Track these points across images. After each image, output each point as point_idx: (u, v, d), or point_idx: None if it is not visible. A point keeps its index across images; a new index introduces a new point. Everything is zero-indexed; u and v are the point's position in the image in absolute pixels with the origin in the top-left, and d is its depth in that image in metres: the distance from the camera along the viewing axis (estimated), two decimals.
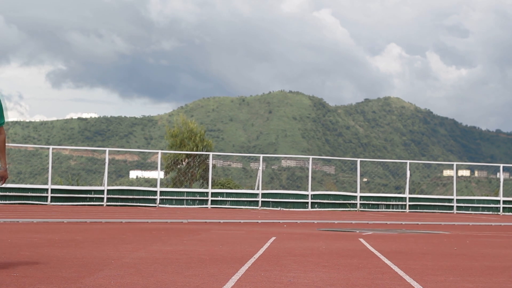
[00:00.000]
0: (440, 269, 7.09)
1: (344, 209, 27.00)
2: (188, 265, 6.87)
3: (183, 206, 25.54)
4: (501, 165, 29.61)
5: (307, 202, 26.77)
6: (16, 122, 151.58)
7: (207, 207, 25.82)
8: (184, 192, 26.56)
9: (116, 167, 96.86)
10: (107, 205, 24.61)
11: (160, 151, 28.49)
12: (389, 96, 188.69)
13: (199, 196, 26.31)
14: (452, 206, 27.94)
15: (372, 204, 27.52)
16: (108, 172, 25.82)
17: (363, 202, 27.42)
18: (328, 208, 26.92)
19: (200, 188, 31.42)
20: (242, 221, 16.99)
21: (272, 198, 26.87)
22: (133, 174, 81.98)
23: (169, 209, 24.07)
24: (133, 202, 25.25)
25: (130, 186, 30.57)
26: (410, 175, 28.67)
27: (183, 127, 38.08)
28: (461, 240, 11.85)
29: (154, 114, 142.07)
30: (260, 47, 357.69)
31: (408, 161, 28.86)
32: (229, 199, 26.55)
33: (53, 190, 24.52)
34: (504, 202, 28.48)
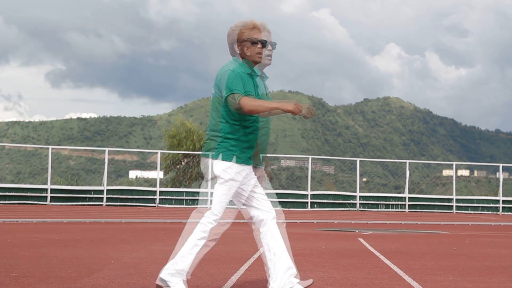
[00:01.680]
0: (440, 269, 7.09)
1: (343, 209, 26.99)
2: None
3: (182, 206, 25.52)
4: (501, 165, 29.60)
5: (307, 202, 26.75)
6: (16, 122, 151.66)
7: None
8: (183, 192, 26.55)
9: (116, 167, 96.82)
10: (106, 205, 24.60)
11: (159, 151, 28.47)
12: (389, 96, 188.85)
13: (199, 196, 26.29)
14: (452, 206, 27.93)
15: (371, 204, 27.51)
16: (108, 172, 25.80)
17: (362, 202, 27.41)
18: (327, 208, 26.90)
19: (199, 188, 31.40)
20: (241, 221, 16.96)
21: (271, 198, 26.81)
22: (133, 174, 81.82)
23: (169, 209, 24.06)
24: (132, 202, 25.24)
25: (130, 186, 30.53)
26: (410, 175, 28.66)
27: (181, 127, 38.04)
28: (460, 240, 11.85)
29: (153, 114, 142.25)
30: None
31: (408, 161, 28.83)
32: None
33: (52, 190, 24.50)
34: (504, 202, 28.47)
